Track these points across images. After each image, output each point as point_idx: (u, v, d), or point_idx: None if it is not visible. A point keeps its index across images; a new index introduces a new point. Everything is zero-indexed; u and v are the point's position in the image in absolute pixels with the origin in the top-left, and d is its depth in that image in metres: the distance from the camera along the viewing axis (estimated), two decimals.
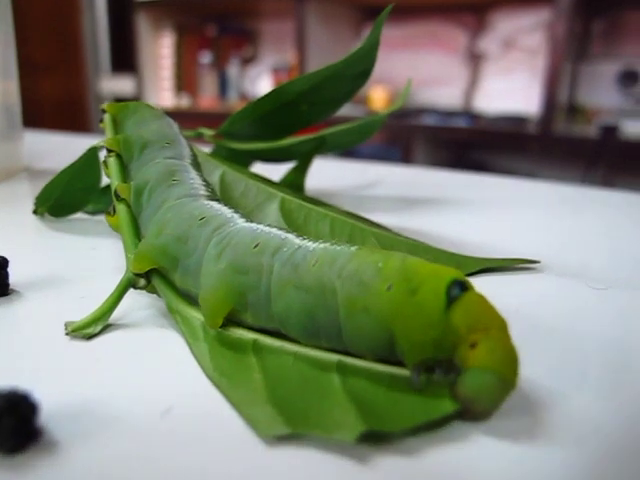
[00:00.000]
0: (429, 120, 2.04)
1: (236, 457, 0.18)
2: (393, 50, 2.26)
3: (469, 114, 2.05)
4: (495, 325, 0.19)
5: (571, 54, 1.85)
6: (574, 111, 1.96)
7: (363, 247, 0.22)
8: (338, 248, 0.22)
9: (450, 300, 0.19)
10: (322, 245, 0.22)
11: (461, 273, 0.20)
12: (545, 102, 1.81)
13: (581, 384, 0.22)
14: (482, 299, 0.20)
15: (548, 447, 0.18)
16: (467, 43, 2.17)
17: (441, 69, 2.22)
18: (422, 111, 2.09)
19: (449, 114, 2.06)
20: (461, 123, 2.00)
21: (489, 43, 2.13)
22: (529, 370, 0.22)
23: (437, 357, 0.20)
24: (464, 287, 0.19)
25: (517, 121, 1.93)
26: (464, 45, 2.18)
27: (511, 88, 2.09)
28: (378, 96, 2.20)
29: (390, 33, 2.24)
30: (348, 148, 0.51)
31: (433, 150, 2.27)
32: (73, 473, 0.17)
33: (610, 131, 1.72)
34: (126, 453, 0.18)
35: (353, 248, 0.22)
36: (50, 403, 0.19)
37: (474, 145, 2.19)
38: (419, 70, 2.23)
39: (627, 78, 1.85)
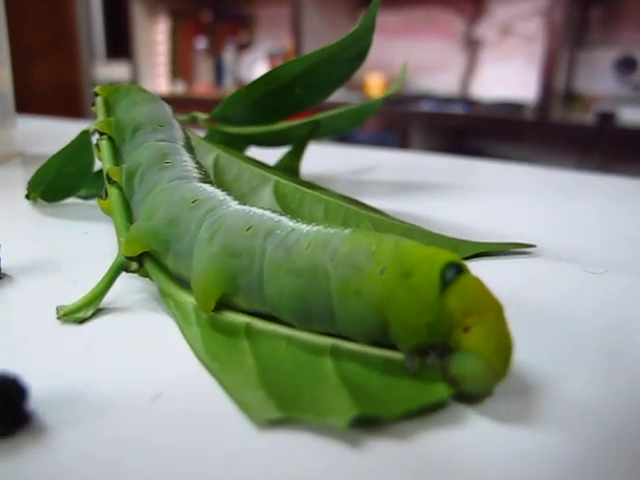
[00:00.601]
0: (426, 107, 2.03)
1: (228, 441, 0.18)
2: (389, 36, 2.25)
3: (466, 101, 2.05)
4: (491, 309, 0.19)
5: (568, 41, 1.84)
6: (571, 98, 1.95)
7: (357, 230, 0.21)
8: (331, 231, 0.21)
9: (445, 283, 0.19)
10: (315, 228, 0.22)
11: (456, 256, 0.19)
12: (542, 89, 1.81)
13: (576, 368, 0.22)
14: (478, 282, 0.19)
15: (542, 431, 0.18)
16: (464, 29, 2.16)
17: (438, 55, 2.21)
18: (419, 97, 2.09)
19: (446, 101, 2.05)
20: (458, 110, 1.99)
21: (486, 29, 2.12)
22: (524, 353, 0.22)
23: (431, 341, 0.19)
24: (459, 270, 0.19)
25: (514, 108, 1.93)
26: (461, 31, 2.17)
27: (508, 75, 2.08)
28: (374, 82, 2.19)
29: (387, 19, 2.23)
30: (343, 133, 0.51)
31: (430, 137, 2.26)
32: (63, 457, 0.17)
33: (607, 118, 1.72)
34: (116, 437, 0.18)
35: (347, 231, 0.21)
36: (40, 387, 0.19)
37: (471, 132, 2.18)
38: (416, 56, 2.22)
39: (625, 65, 1.84)
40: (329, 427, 0.18)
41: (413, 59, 2.20)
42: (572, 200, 0.48)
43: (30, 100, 2.68)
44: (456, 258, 0.19)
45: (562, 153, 1.97)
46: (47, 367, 0.21)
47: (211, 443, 0.17)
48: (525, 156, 2.02)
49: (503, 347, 0.19)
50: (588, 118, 1.79)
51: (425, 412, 0.19)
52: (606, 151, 1.78)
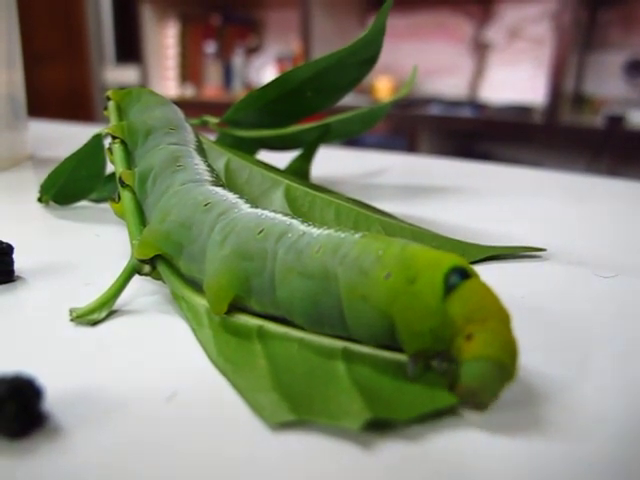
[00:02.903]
0: (434, 110, 2.04)
1: (241, 443, 0.18)
2: (398, 40, 2.25)
3: (474, 104, 2.05)
4: (494, 316, 0.18)
5: (577, 44, 1.84)
6: (580, 101, 1.95)
7: (367, 234, 0.21)
8: (342, 235, 0.21)
9: (448, 289, 0.18)
10: (326, 232, 0.22)
11: (463, 260, 0.19)
12: (551, 92, 1.81)
13: (586, 373, 0.22)
14: (483, 288, 0.19)
15: (549, 437, 0.18)
16: (473, 33, 2.16)
17: (447, 59, 2.22)
18: (427, 101, 2.09)
19: (454, 104, 2.06)
20: (466, 113, 1.99)
21: (495, 33, 2.12)
22: (532, 359, 0.22)
23: (436, 347, 0.19)
24: (465, 275, 0.19)
25: (522, 111, 1.93)
26: (470, 35, 2.17)
27: (517, 78, 2.09)
28: (383, 86, 2.20)
29: (396, 23, 2.23)
30: (352, 136, 0.51)
31: (438, 140, 2.26)
32: (77, 458, 0.17)
33: (616, 121, 1.72)
34: (131, 438, 0.18)
35: (357, 235, 0.21)
36: (55, 389, 0.19)
37: (479, 135, 2.18)
38: (425, 60, 2.23)
39: (634, 68, 1.84)
40: (342, 429, 0.18)
41: (422, 62, 2.21)
42: (581, 203, 0.48)
43: (40, 104, 2.70)
44: (462, 262, 0.19)
45: (571, 156, 1.96)
46: (62, 368, 0.21)
47: (225, 444, 0.18)
48: (534, 159, 2.02)
49: (508, 349, 0.18)
50: (597, 121, 1.78)
51: (436, 416, 0.19)
52: (615, 154, 1.77)
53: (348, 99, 0.45)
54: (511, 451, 0.17)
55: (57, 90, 2.94)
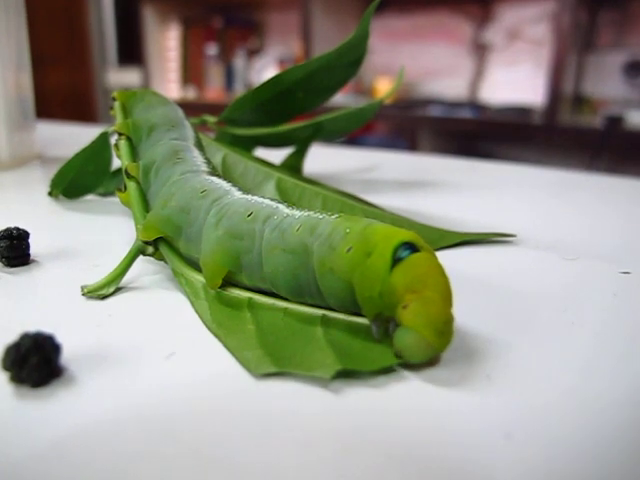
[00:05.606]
0: (435, 111, 2.05)
1: (228, 391, 0.21)
2: (398, 41, 2.28)
3: (474, 105, 2.06)
4: (430, 287, 0.21)
5: (576, 45, 1.86)
6: (579, 102, 1.96)
7: (341, 215, 0.24)
8: (320, 216, 0.24)
9: (396, 261, 0.21)
10: (306, 214, 0.25)
11: (416, 236, 0.22)
12: (550, 93, 1.82)
13: (531, 338, 0.24)
14: (428, 261, 0.21)
15: (489, 388, 0.21)
16: (472, 34, 2.18)
17: (447, 60, 2.24)
18: (428, 102, 2.11)
19: (455, 105, 2.07)
20: (466, 114, 2.01)
21: (494, 34, 2.14)
22: (485, 325, 0.25)
23: (388, 313, 0.22)
24: (414, 249, 0.21)
25: (522, 112, 1.94)
26: (469, 36, 2.19)
27: (516, 79, 2.10)
28: (383, 87, 2.22)
29: (395, 24, 2.26)
30: (345, 134, 0.53)
31: (439, 141, 2.28)
32: (89, 404, 0.20)
33: (615, 121, 1.73)
34: (133, 388, 0.21)
35: (333, 217, 0.24)
36: (70, 348, 0.22)
37: (479, 136, 2.20)
38: (425, 61, 2.25)
39: (633, 68, 1.85)
40: (316, 379, 0.21)
41: (422, 64, 2.23)
42: (562, 196, 0.51)
43: (43, 106, 2.73)
44: (413, 238, 0.22)
45: (570, 156, 1.98)
46: (75, 332, 0.24)
47: (216, 391, 0.20)
48: (534, 159, 2.03)
49: (436, 322, 0.20)
50: (596, 121, 1.80)
51: (396, 370, 0.22)
52: (614, 154, 1.79)
53: (348, 100, 0.48)
54: (453, 397, 0.20)
55: (60, 92, 2.96)
